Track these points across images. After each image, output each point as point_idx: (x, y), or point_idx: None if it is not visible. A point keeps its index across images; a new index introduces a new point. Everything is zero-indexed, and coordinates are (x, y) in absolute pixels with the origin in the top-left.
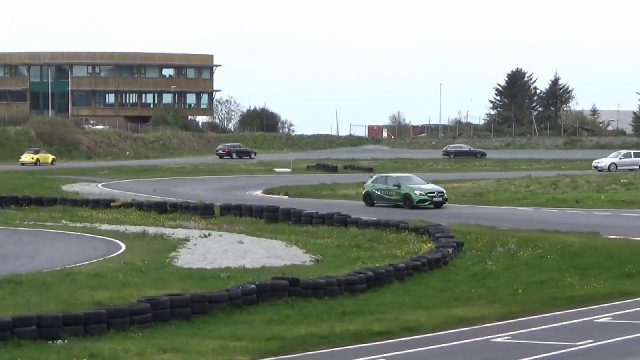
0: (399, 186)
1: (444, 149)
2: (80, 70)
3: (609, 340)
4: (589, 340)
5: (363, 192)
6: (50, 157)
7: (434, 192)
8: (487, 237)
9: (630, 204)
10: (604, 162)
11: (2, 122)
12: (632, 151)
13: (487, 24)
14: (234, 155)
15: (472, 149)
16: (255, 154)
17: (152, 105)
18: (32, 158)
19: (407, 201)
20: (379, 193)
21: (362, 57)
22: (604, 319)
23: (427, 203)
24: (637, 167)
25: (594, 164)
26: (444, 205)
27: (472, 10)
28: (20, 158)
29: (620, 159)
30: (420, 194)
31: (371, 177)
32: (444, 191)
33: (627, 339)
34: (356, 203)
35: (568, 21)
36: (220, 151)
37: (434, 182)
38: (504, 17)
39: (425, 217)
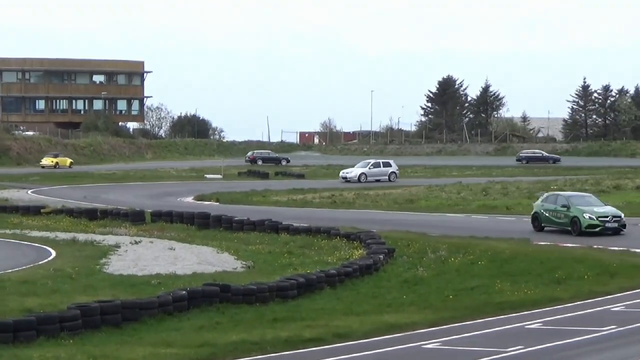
0: (567, 207)
1: (518, 154)
2: (10, 76)
3: (539, 347)
4: (520, 347)
5: (532, 213)
6: (69, 160)
7: (607, 216)
8: (418, 243)
9: None
10: (354, 172)
11: None
12: (380, 160)
13: (418, 31)
14: (259, 162)
15: (545, 154)
16: (289, 160)
17: (82, 112)
18: (52, 161)
19: (575, 226)
20: (547, 215)
21: (293, 63)
22: (534, 325)
23: (598, 229)
24: (386, 177)
25: (341, 174)
26: (622, 232)
27: (403, 16)
28: (41, 161)
29: (370, 169)
30: (589, 218)
31: (542, 194)
32: (622, 215)
33: (556, 344)
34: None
35: (499, 29)
36: (247, 158)
37: (363, 190)
38: (435, 24)
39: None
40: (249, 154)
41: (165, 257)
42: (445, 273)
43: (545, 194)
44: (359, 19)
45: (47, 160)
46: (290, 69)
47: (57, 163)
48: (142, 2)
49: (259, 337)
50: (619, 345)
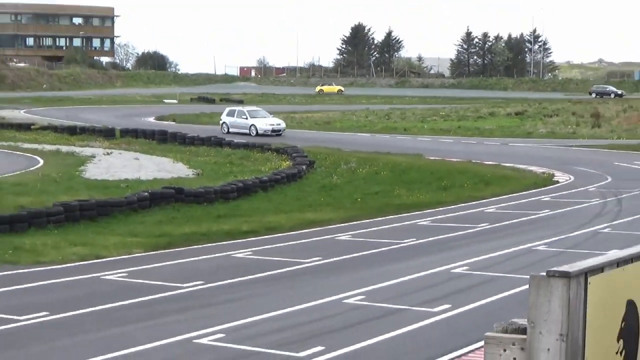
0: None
1: (590, 89)
2: (5, 18)
3: (427, 239)
4: (412, 239)
5: None
6: (337, 87)
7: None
8: (334, 157)
9: (446, 132)
10: (282, 124)
11: None
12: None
13: None
14: (593, 95)
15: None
16: (621, 95)
17: (64, 48)
18: (318, 89)
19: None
20: None
21: (235, 6)
22: (424, 222)
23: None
24: None
25: (264, 126)
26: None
27: None
28: (316, 88)
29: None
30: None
31: None
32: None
33: (441, 237)
34: None
35: None
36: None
37: (290, 113)
38: None
39: None
40: (592, 88)
41: (132, 165)
42: (355, 180)
43: None
44: None
45: (318, 88)
46: (232, 12)
47: (321, 90)
48: None
49: (206, 229)
50: (490, 238)
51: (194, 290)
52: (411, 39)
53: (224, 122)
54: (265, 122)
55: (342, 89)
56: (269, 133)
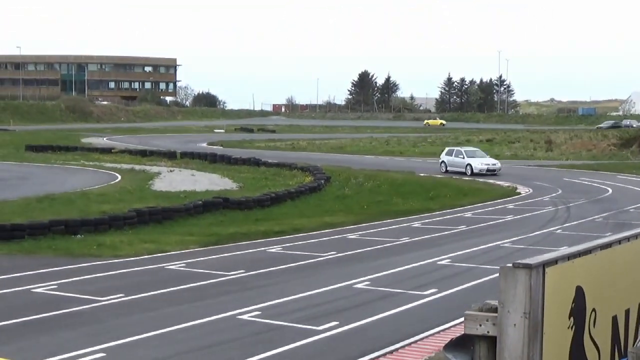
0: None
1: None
2: (93, 67)
3: (419, 238)
4: (406, 238)
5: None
6: (440, 121)
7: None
8: (345, 173)
9: (433, 154)
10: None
11: (43, 98)
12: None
13: (347, 40)
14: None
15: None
16: None
17: (137, 90)
18: (425, 122)
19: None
20: None
21: (269, 56)
22: (416, 224)
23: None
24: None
25: (478, 164)
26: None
27: (340, 28)
28: (424, 121)
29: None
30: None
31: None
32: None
33: (429, 236)
34: None
35: (399, 36)
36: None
37: (312, 140)
38: (357, 34)
39: None
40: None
41: (189, 180)
42: (362, 192)
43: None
44: (307, 33)
45: (425, 122)
46: (266, 60)
47: (427, 124)
48: (179, 24)
49: (246, 230)
50: (467, 237)
51: (236, 277)
52: (406, 82)
53: (442, 161)
54: (481, 161)
55: (444, 122)
56: (484, 172)
